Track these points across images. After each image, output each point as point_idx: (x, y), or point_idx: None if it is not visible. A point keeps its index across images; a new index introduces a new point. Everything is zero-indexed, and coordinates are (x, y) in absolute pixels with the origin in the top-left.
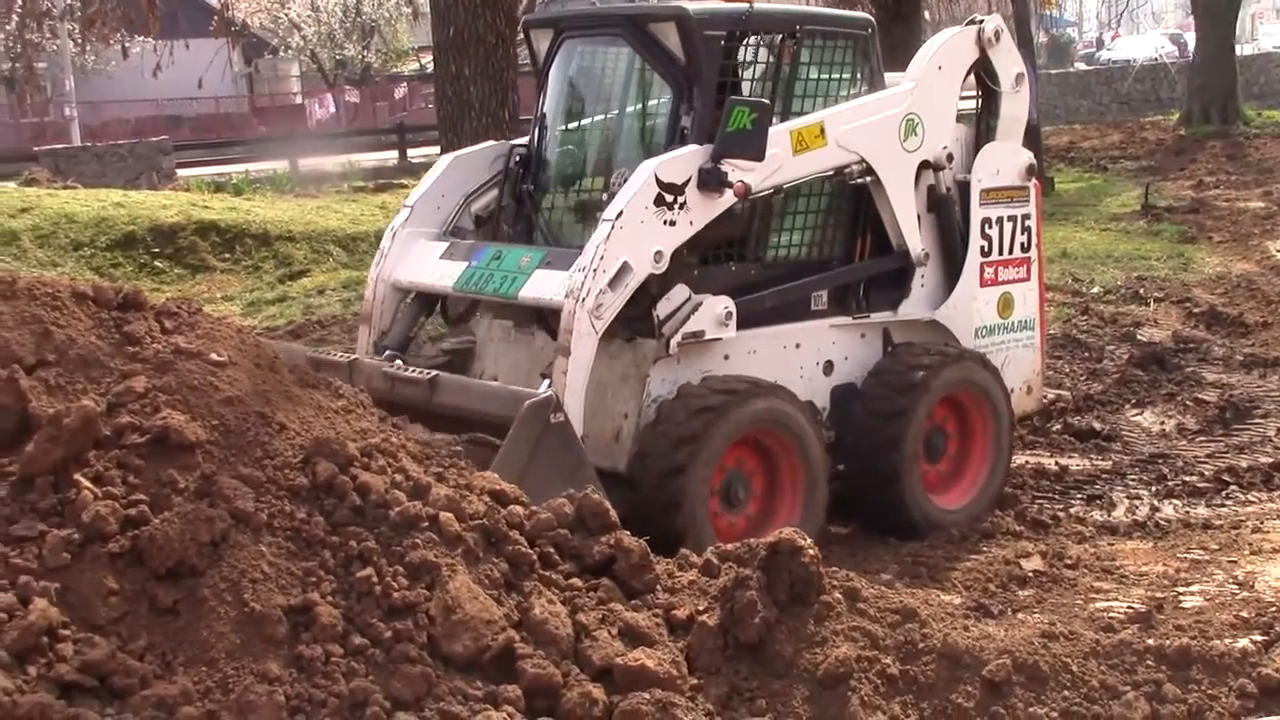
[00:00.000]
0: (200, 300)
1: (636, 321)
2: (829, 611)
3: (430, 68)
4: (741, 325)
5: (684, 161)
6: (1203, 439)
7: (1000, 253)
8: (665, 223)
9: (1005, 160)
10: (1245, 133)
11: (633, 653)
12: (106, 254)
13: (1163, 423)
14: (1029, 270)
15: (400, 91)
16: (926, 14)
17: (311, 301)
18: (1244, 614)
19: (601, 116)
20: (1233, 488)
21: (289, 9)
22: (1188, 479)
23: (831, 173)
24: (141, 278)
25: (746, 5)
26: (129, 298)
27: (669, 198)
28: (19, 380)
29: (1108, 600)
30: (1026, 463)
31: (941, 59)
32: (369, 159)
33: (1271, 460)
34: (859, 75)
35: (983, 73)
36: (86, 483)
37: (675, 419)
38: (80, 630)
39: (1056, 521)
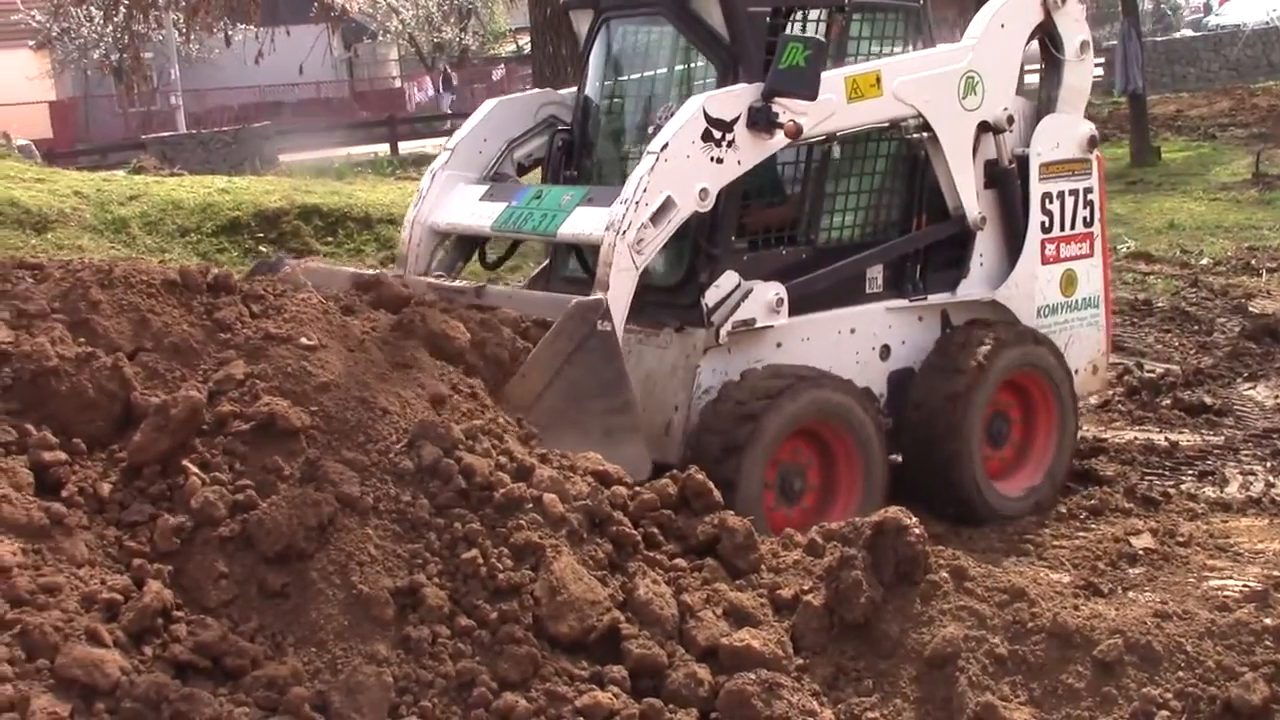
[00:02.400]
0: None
1: (685, 310)
2: (935, 591)
3: (528, 49)
4: (794, 311)
5: (734, 98)
6: None
7: (1062, 229)
8: (712, 159)
9: (1066, 132)
10: None
11: (738, 633)
12: (213, 239)
13: (1276, 396)
14: (1092, 246)
15: (498, 73)
16: None
17: None
18: None
19: (644, 99)
20: None
21: None
22: None
23: (886, 125)
24: (247, 262)
25: None
26: (218, 280)
27: (717, 134)
28: (123, 368)
29: (1222, 579)
30: (1135, 438)
31: (1005, 17)
32: None
33: None
34: (911, 49)
35: (1047, 38)
36: (194, 469)
37: (719, 426)
38: (193, 612)
39: (1167, 498)
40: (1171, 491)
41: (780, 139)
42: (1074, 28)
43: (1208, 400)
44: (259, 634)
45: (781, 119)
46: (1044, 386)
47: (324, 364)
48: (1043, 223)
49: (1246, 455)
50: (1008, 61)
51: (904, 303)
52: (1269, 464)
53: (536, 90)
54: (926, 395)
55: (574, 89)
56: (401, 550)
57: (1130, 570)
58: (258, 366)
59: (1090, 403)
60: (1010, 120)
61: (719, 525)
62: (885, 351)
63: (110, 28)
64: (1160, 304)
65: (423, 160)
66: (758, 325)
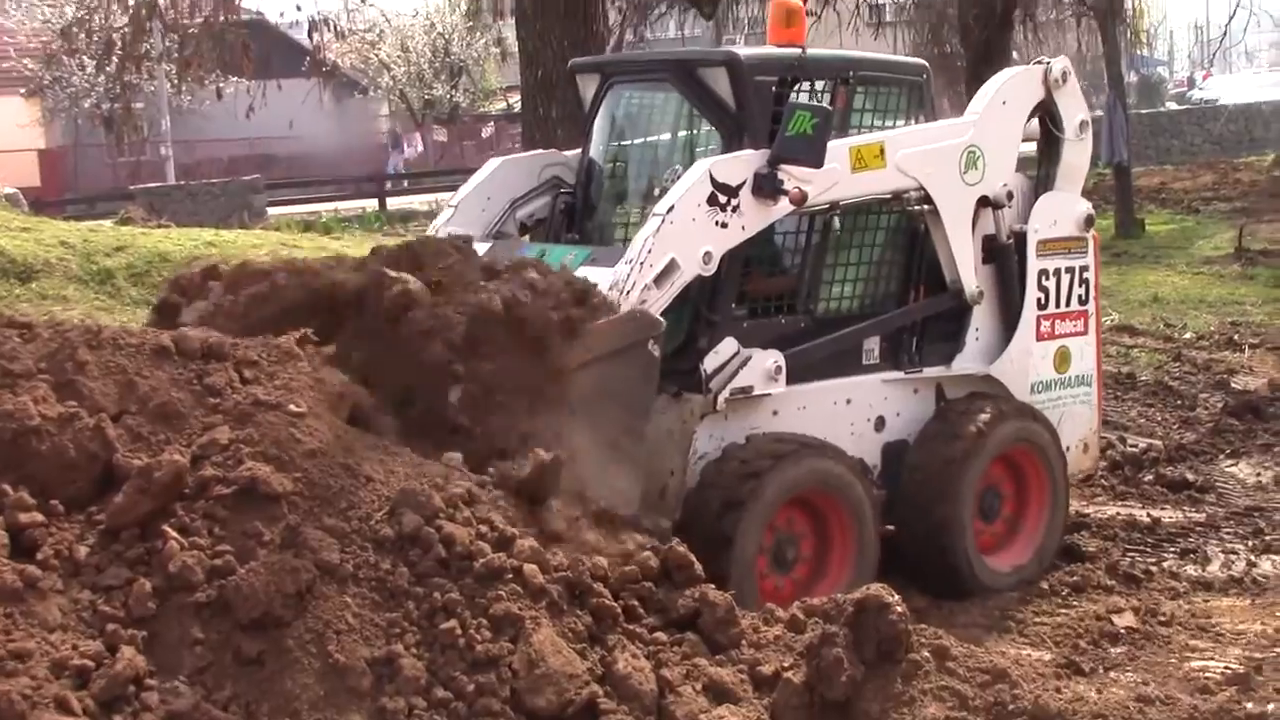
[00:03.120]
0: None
1: (683, 376)
2: (917, 670)
3: (517, 107)
4: (791, 380)
5: (740, 163)
6: None
7: (1057, 305)
8: (717, 223)
9: (1064, 210)
10: None
11: (717, 709)
12: None
13: (1259, 474)
14: (1086, 324)
15: (487, 130)
16: (1015, 55)
17: None
18: None
19: (648, 163)
20: None
21: (379, 50)
22: None
23: (888, 196)
24: None
25: (799, 50)
26: (211, 348)
27: (722, 198)
28: (106, 430)
29: (1203, 660)
30: (1118, 514)
31: (1007, 94)
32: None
33: None
34: (914, 121)
35: (1047, 116)
36: (173, 533)
37: (722, 483)
38: (166, 679)
39: (1149, 576)
40: (1153, 569)
41: (785, 206)
42: (1074, 107)
43: (1190, 477)
44: (232, 703)
45: (787, 186)
46: (1038, 464)
47: (312, 431)
48: (1039, 299)
49: (1228, 533)
50: (1009, 137)
51: (900, 375)
52: (1250, 542)
53: (540, 151)
54: (924, 460)
55: (577, 151)
56: (379, 619)
57: (1112, 649)
58: (244, 432)
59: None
60: (1010, 195)
61: (700, 599)
62: (880, 423)
63: (102, 78)
64: (1144, 378)
65: (409, 217)
66: (755, 393)
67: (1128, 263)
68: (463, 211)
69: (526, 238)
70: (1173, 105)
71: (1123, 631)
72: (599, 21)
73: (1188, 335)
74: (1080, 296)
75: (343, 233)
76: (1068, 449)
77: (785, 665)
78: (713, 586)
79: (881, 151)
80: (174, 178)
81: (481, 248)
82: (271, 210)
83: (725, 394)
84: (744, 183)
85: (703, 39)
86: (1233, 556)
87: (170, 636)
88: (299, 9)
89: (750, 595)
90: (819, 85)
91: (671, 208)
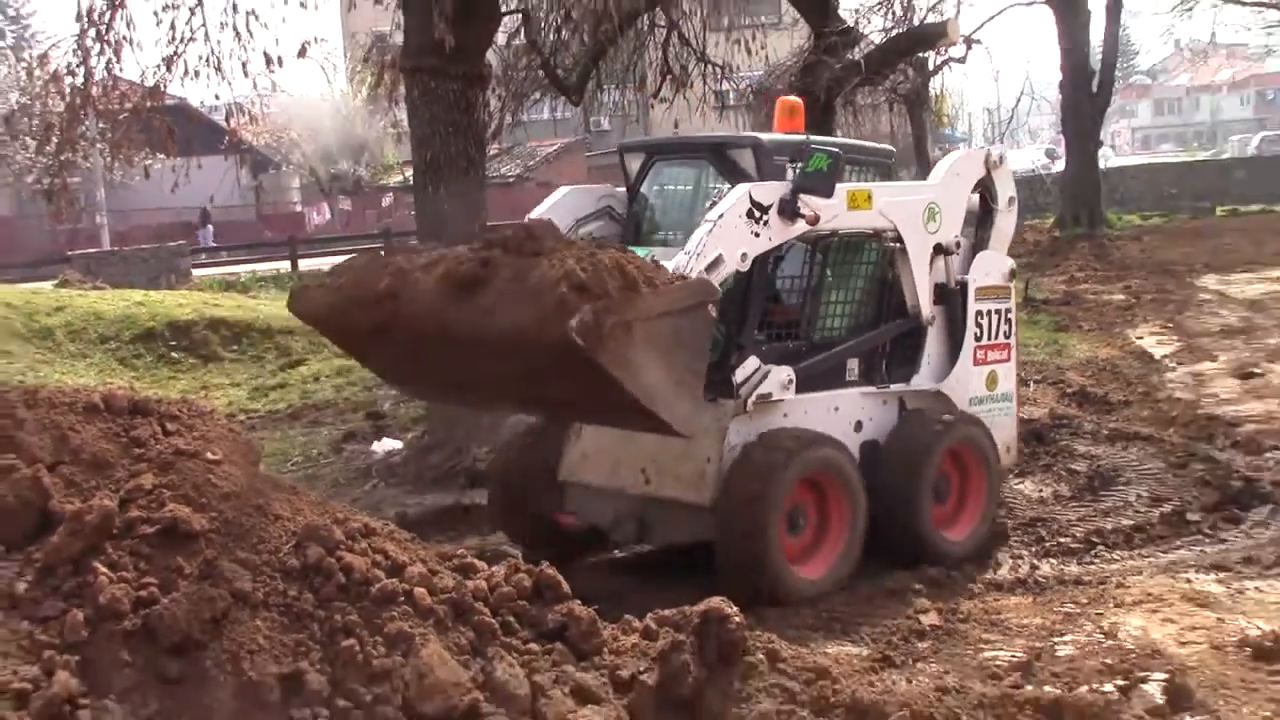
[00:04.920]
0: (210, 386)
1: (717, 386)
2: (752, 671)
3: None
4: (798, 390)
5: (771, 189)
6: (1074, 504)
7: (989, 338)
8: (752, 232)
9: (994, 265)
10: (1108, 235)
11: (583, 710)
12: (130, 347)
13: (1041, 490)
14: (1008, 353)
15: (387, 200)
16: (839, 133)
17: (308, 387)
18: (1109, 661)
19: (686, 219)
20: (1100, 547)
21: (291, 131)
22: (1062, 540)
23: (871, 233)
24: (160, 367)
25: (805, 136)
26: (138, 404)
27: (757, 213)
28: (43, 479)
29: (994, 650)
30: None
31: (959, 168)
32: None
33: (1132, 523)
34: None
35: (985, 191)
36: (103, 569)
37: (758, 458)
38: (97, 699)
39: (950, 580)
40: (954, 574)
41: (802, 225)
42: (1006, 185)
43: None
44: (157, 718)
45: (804, 210)
46: (979, 459)
47: (227, 476)
48: (976, 333)
49: (1016, 541)
50: (958, 202)
51: (873, 389)
52: (1034, 549)
53: (600, 185)
54: (893, 455)
55: (622, 189)
56: (287, 640)
57: (919, 644)
58: (166, 478)
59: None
60: (958, 245)
61: (567, 614)
62: (859, 426)
63: (42, 157)
64: None
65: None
66: (774, 399)
67: None
68: None
69: None
70: None
71: (928, 629)
72: (479, 110)
73: None
74: (1005, 332)
75: (260, 291)
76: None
77: (641, 669)
78: (579, 602)
79: (870, 197)
80: (108, 244)
81: None
82: (196, 272)
83: (753, 399)
84: (773, 204)
85: (572, 120)
86: (1019, 561)
87: (101, 661)
88: (217, 97)
89: (776, 548)
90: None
91: (721, 215)
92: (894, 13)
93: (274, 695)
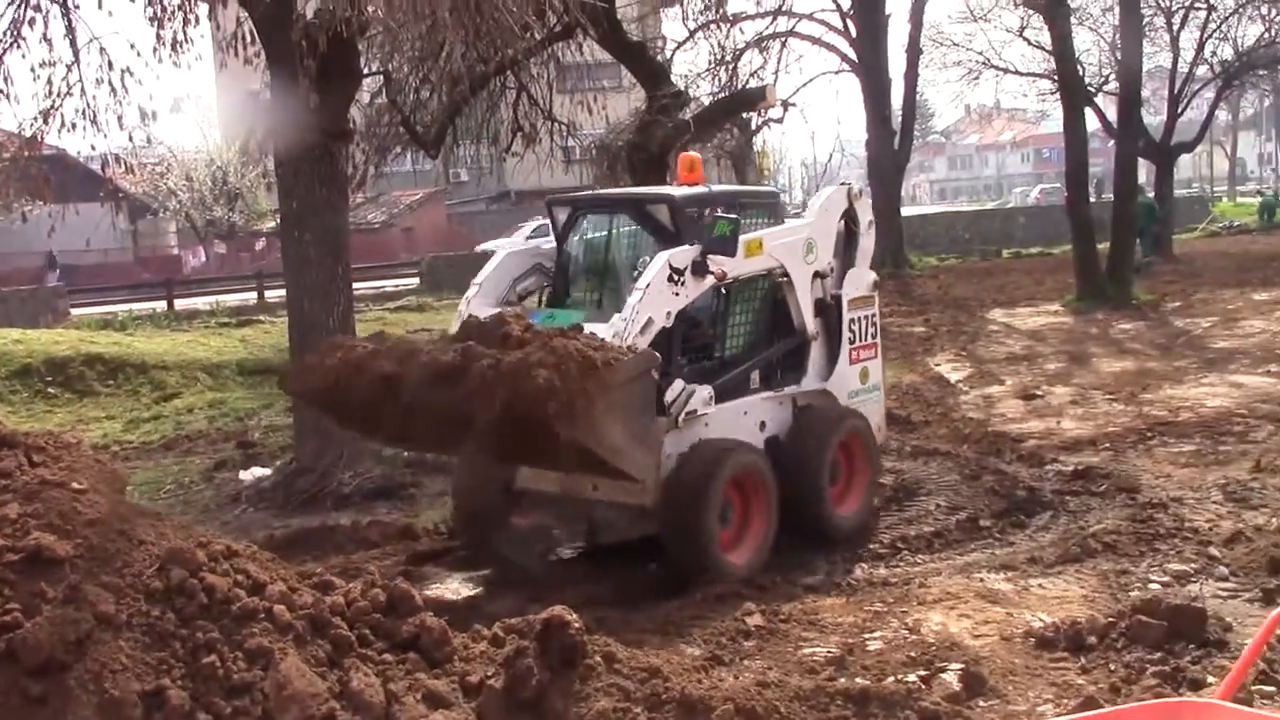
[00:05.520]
0: (85, 420)
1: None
2: (591, 672)
3: None
4: (716, 402)
5: (685, 255)
6: (883, 514)
7: (860, 340)
8: (673, 293)
9: (861, 279)
10: (910, 274)
11: (434, 715)
12: (6, 383)
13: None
14: (876, 351)
15: (260, 244)
16: (671, 181)
17: (181, 419)
18: (912, 654)
19: (611, 267)
20: (905, 552)
21: (167, 179)
22: (872, 546)
23: (764, 273)
24: (36, 402)
25: (706, 188)
26: (3, 438)
27: (676, 277)
28: None
29: (812, 647)
30: None
31: (827, 205)
32: (233, 299)
33: (933, 529)
34: (773, 223)
35: (849, 219)
36: None
37: (693, 465)
38: None
39: (774, 584)
40: (777, 579)
41: (711, 280)
42: (866, 212)
43: None
44: None
45: (713, 268)
46: (862, 445)
47: (92, 504)
48: (850, 338)
49: (831, 548)
50: (830, 231)
51: (772, 393)
52: (845, 553)
53: (532, 244)
54: (793, 447)
55: (553, 245)
56: (150, 658)
57: (745, 643)
58: (31, 507)
59: None
60: (831, 269)
61: (420, 625)
62: (763, 425)
63: None
64: None
65: (194, 315)
66: (699, 413)
67: None
68: (484, 289)
69: (537, 304)
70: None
71: (753, 629)
72: (342, 161)
73: None
74: (871, 334)
75: (136, 329)
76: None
77: (488, 674)
78: (430, 614)
79: (761, 244)
80: None
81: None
82: (75, 311)
83: (682, 416)
84: (687, 267)
85: (432, 172)
86: (834, 565)
87: None
88: (93, 148)
89: (713, 539)
90: (720, 210)
91: (649, 284)
92: (720, 78)
93: (136, 712)
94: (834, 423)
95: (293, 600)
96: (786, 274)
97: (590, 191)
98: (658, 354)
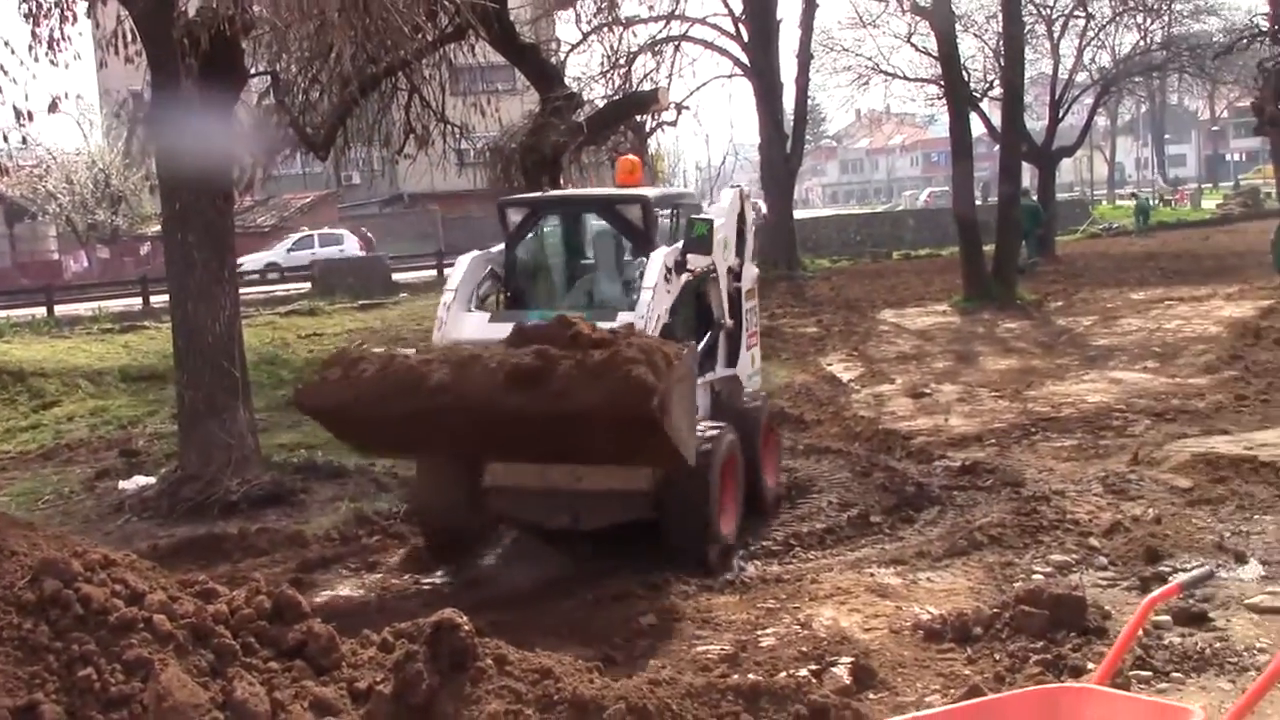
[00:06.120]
0: None
1: None
2: (482, 676)
3: None
4: None
5: (673, 254)
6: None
7: (751, 328)
8: (667, 290)
9: (751, 273)
10: (803, 276)
11: None
12: None
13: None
14: (758, 337)
15: (145, 248)
16: (567, 185)
17: (61, 428)
18: (804, 649)
19: (575, 268)
20: (797, 549)
21: (46, 182)
22: (765, 543)
23: (704, 269)
24: None
25: (646, 190)
26: None
27: (669, 274)
28: None
29: (706, 645)
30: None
31: (732, 204)
32: (117, 305)
33: (825, 526)
34: None
35: (740, 218)
36: None
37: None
38: None
39: (668, 583)
40: (670, 578)
41: (687, 276)
42: (750, 212)
43: None
44: None
45: (690, 265)
46: (769, 421)
47: None
48: (747, 326)
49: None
50: (733, 228)
51: (701, 380)
52: (741, 552)
53: (491, 249)
54: (739, 428)
55: (501, 248)
56: (22, 673)
57: (639, 643)
58: None
59: None
60: (738, 265)
61: (307, 631)
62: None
63: None
64: None
65: (76, 321)
66: None
67: None
68: (460, 294)
69: (495, 306)
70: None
71: (647, 628)
72: (234, 163)
73: None
74: (756, 322)
75: (14, 336)
76: None
77: (378, 680)
78: (319, 620)
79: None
80: None
81: (481, 314)
82: None
83: None
84: (674, 265)
85: (323, 175)
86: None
87: None
88: None
89: (714, 515)
90: (674, 210)
91: (655, 283)
92: (613, 81)
93: None
94: (758, 405)
95: (173, 609)
96: (714, 270)
97: (552, 192)
98: (698, 352)
